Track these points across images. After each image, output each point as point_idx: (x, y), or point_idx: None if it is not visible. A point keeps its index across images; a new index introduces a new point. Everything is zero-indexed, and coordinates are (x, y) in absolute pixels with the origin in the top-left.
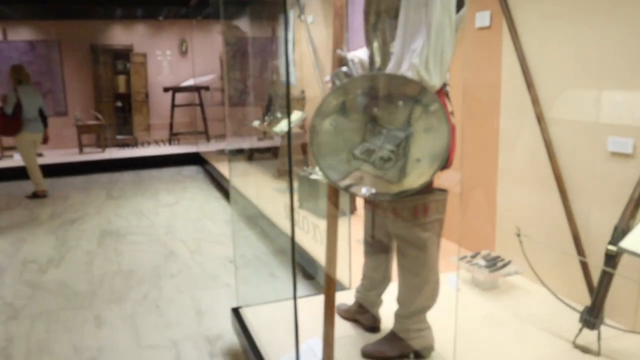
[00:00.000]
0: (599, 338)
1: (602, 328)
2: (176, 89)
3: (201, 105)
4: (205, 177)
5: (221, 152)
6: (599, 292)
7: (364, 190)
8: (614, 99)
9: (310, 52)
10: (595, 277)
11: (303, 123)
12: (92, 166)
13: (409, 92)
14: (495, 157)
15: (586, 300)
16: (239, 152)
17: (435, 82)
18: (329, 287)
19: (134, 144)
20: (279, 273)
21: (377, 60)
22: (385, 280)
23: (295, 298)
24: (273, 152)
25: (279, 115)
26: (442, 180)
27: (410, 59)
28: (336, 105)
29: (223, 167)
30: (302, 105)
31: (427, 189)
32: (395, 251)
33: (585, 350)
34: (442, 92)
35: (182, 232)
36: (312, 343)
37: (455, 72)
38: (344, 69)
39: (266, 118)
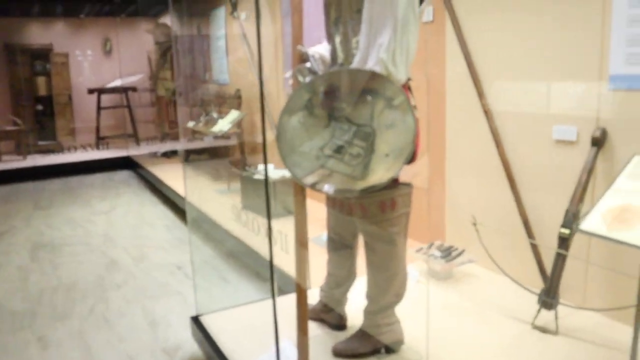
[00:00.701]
0: (556, 317)
1: (558, 307)
2: (102, 91)
3: (129, 106)
4: (139, 182)
5: (154, 155)
6: (554, 273)
7: (330, 188)
8: (557, 89)
9: (245, 49)
10: (547, 260)
11: (240, 122)
12: (13, 175)
13: (376, 86)
14: (442, 148)
15: (538, 282)
16: (173, 153)
17: (401, 76)
18: (300, 295)
19: (59, 149)
20: (232, 277)
21: (340, 55)
22: (351, 277)
23: (274, 297)
24: (209, 152)
25: (214, 115)
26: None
27: (377, 54)
28: (304, 101)
29: (157, 170)
30: (238, 104)
31: (394, 183)
32: (364, 247)
33: (544, 330)
34: (406, 86)
35: (122, 240)
36: (283, 346)
37: (416, 65)
38: (307, 64)
39: (201, 118)
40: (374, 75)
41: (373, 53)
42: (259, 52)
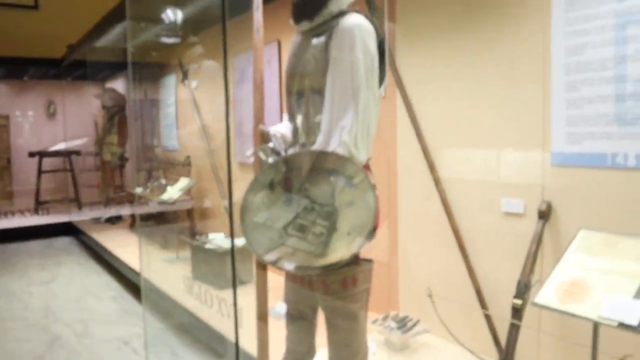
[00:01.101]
0: None
1: None
2: (43, 154)
3: (72, 170)
4: (81, 249)
5: (97, 221)
6: (508, 343)
7: (291, 265)
8: (505, 162)
9: (196, 117)
10: (501, 329)
11: (190, 190)
12: None
13: (339, 168)
14: (394, 219)
15: (493, 352)
16: (118, 219)
17: (362, 157)
18: None
19: None
20: (184, 352)
21: (302, 135)
22: (311, 353)
23: None
24: (156, 219)
25: (163, 181)
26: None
27: (340, 136)
28: (268, 181)
29: (101, 237)
30: (188, 171)
31: (355, 259)
32: (325, 323)
33: None
34: (367, 165)
35: (65, 314)
36: None
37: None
38: (270, 144)
39: (149, 184)
40: (336, 157)
41: (335, 135)
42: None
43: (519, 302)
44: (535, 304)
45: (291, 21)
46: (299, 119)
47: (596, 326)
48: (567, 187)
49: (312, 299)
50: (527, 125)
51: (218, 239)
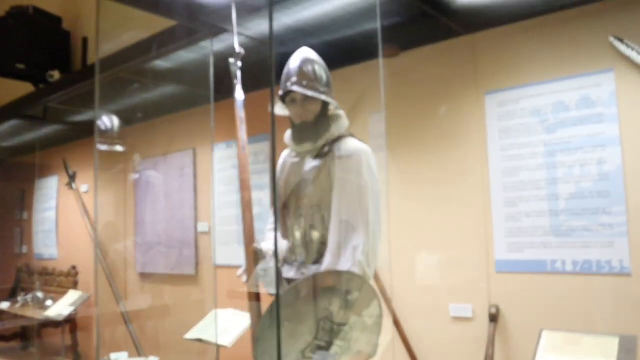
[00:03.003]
0: None
1: None
2: None
3: None
4: None
5: None
6: None
7: None
8: (452, 271)
9: (86, 222)
10: None
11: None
12: None
13: (354, 287)
14: None
15: None
16: None
17: (372, 274)
18: None
19: None
20: None
21: (300, 251)
22: None
23: None
24: (22, 337)
25: (40, 294)
26: None
27: (353, 256)
28: (288, 306)
29: None
30: (73, 283)
31: None
32: None
33: None
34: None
35: None
36: None
37: None
38: (271, 264)
39: (19, 299)
40: (352, 276)
41: (346, 254)
42: (91, 224)
43: None
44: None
45: (290, 142)
46: (298, 235)
47: None
48: (511, 291)
49: None
50: (472, 236)
51: (123, 359)
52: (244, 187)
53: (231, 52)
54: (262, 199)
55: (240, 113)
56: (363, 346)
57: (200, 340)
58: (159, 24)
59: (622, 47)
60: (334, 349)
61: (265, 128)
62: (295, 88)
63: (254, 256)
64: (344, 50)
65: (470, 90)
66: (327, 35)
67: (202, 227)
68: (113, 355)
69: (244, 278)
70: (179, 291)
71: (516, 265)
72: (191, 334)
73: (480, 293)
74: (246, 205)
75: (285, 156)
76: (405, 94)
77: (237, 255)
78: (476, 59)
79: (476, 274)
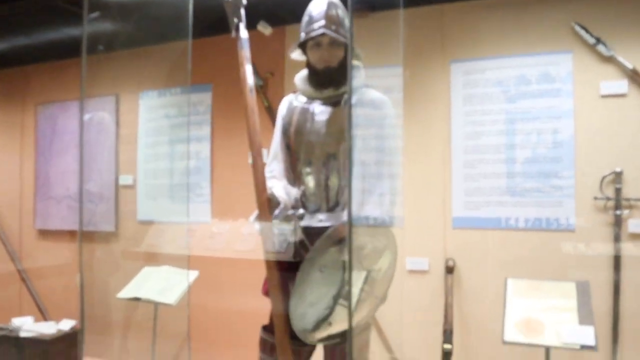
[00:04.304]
0: None
1: None
2: None
3: None
4: None
5: None
6: None
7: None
8: (409, 221)
9: None
10: None
11: None
12: None
13: (380, 234)
14: None
15: None
16: None
17: (395, 223)
18: None
19: None
20: None
21: (314, 199)
22: None
23: None
24: None
25: None
26: None
27: (381, 202)
28: (328, 252)
29: None
30: None
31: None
32: None
33: None
34: None
35: None
36: None
37: None
38: (290, 211)
39: None
40: (382, 224)
41: (373, 201)
42: None
43: (449, 346)
44: (507, 342)
45: (305, 86)
46: (312, 184)
47: (547, 352)
48: (467, 245)
49: None
50: (432, 194)
51: (29, 324)
52: (253, 132)
53: None
54: (200, 151)
55: (246, 52)
56: (381, 291)
57: (137, 299)
58: None
59: (582, 32)
60: (363, 295)
61: (206, 78)
62: (326, 31)
63: (269, 203)
64: None
65: (437, 57)
66: None
67: (126, 180)
68: (16, 320)
69: (257, 226)
70: (94, 249)
71: (472, 222)
72: (125, 293)
73: (436, 247)
74: (257, 152)
75: (290, 100)
76: (375, 52)
77: (166, 211)
78: (444, 29)
79: (433, 230)
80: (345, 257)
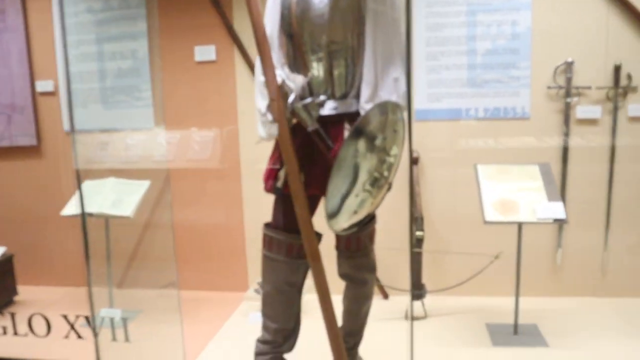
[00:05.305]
0: (423, 304)
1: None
2: None
3: None
4: None
5: None
6: (417, 269)
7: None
8: None
9: None
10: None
11: None
12: None
13: (399, 119)
14: (238, 186)
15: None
16: None
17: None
18: None
19: None
20: None
21: (323, 86)
22: (297, 327)
23: None
24: None
25: None
26: None
27: (395, 87)
28: (369, 128)
29: None
30: None
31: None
32: (349, 285)
33: (415, 318)
34: None
35: None
36: None
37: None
38: (309, 99)
39: None
40: (399, 108)
41: (387, 86)
42: None
43: (421, 233)
44: (487, 222)
45: None
46: (320, 71)
47: (520, 227)
48: (429, 137)
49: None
50: None
51: None
52: (258, 28)
53: None
54: (137, 50)
55: None
56: (392, 178)
57: (90, 215)
58: None
59: None
60: (382, 181)
61: None
62: None
63: (281, 90)
64: None
65: None
66: None
67: (45, 86)
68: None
69: (269, 116)
70: (13, 166)
71: (434, 114)
72: (69, 210)
73: None
74: (262, 36)
75: None
76: None
77: (98, 118)
78: None
79: None
80: (378, 143)
